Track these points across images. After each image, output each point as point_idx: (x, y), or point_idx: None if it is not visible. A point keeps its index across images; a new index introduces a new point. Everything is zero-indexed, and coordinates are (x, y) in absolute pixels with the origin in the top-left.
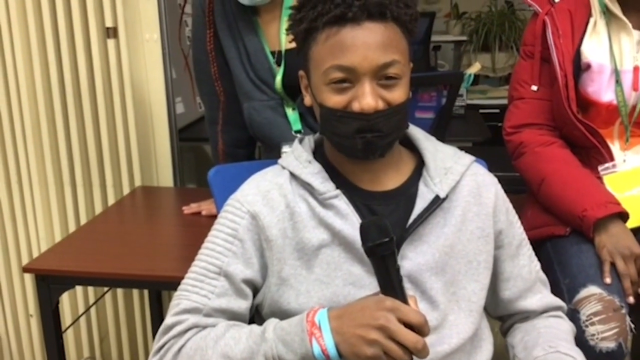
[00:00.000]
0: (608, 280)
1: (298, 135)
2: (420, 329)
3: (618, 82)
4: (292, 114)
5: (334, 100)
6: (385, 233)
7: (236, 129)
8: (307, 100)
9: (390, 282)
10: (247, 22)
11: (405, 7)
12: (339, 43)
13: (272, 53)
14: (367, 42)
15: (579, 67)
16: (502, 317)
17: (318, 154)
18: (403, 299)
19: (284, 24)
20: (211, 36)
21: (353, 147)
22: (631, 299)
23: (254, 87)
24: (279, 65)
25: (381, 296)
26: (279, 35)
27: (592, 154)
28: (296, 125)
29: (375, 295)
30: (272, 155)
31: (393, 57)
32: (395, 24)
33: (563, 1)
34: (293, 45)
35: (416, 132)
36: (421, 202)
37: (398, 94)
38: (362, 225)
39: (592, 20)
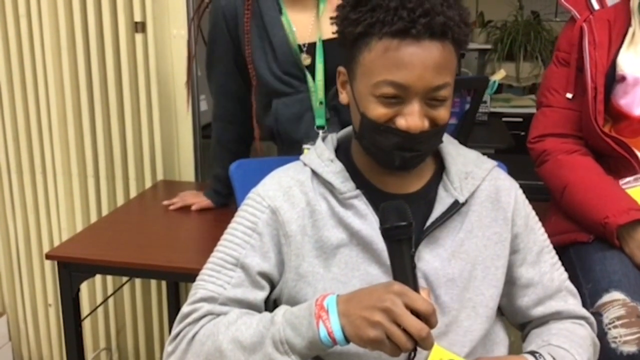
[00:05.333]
0: None
1: (320, 131)
2: (427, 319)
3: None
4: (318, 109)
5: (379, 112)
6: (404, 217)
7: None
8: (344, 97)
9: (403, 268)
10: (273, 17)
11: (465, 27)
12: (396, 58)
13: (301, 46)
14: (425, 62)
15: (613, 78)
16: (522, 325)
17: (340, 152)
18: (414, 286)
19: (322, 13)
20: (248, 17)
21: (390, 162)
22: None
23: (280, 82)
24: (308, 54)
25: (391, 280)
26: (314, 26)
27: (621, 164)
28: (320, 120)
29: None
30: (292, 152)
31: (446, 79)
32: (452, 45)
33: (603, 10)
34: (331, 35)
35: None
36: (440, 207)
37: (443, 113)
38: (382, 207)
39: (630, 31)
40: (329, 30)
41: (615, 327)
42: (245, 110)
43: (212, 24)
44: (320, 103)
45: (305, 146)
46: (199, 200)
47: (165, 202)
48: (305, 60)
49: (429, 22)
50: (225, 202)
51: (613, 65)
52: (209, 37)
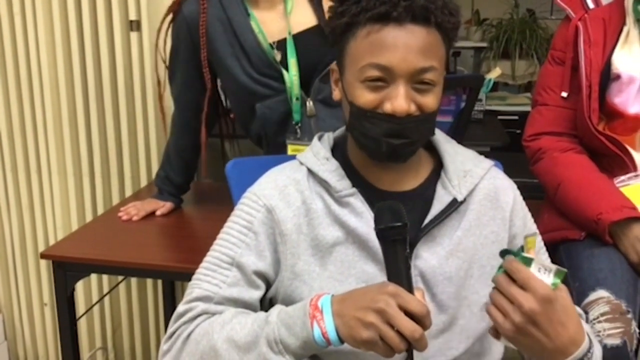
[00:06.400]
0: None
1: (297, 127)
2: (421, 320)
3: None
4: (295, 104)
5: (366, 98)
6: (399, 218)
7: None
8: (336, 94)
9: (397, 269)
10: (241, 22)
11: (450, 15)
12: (379, 41)
13: (272, 44)
14: (408, 44)
15: (608, 76)
16: None
17: (337, 151)
18: (408, 287)
19: (290, 9)
20: (204, 21)
21: (378, 150)
22: None
23: (258, 84)
24: (279, 50)
25: (385, 281)
26: (282, 23)
27: (615, 163)
28: (297, 116)
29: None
30: (279, 151)
31: (431, 62)
32: (438, 31)
33: (598, 8)
34: (302, 28)
35: (437, 134)
36: (438, 205)
37: (431, 101)
38: (376, 207)
39: (625, 30)
40: (299, 24)
41: (599, 322)
42: (200, 121)
43: (175, 34)
44: (297, 99)
45: (288, 141)
46: (158, 205)
47: (121, 214)
48: (276, 55)
49: (410, 5)
50: (181, 201)
51: (608, 64)
52: (172, 46)
